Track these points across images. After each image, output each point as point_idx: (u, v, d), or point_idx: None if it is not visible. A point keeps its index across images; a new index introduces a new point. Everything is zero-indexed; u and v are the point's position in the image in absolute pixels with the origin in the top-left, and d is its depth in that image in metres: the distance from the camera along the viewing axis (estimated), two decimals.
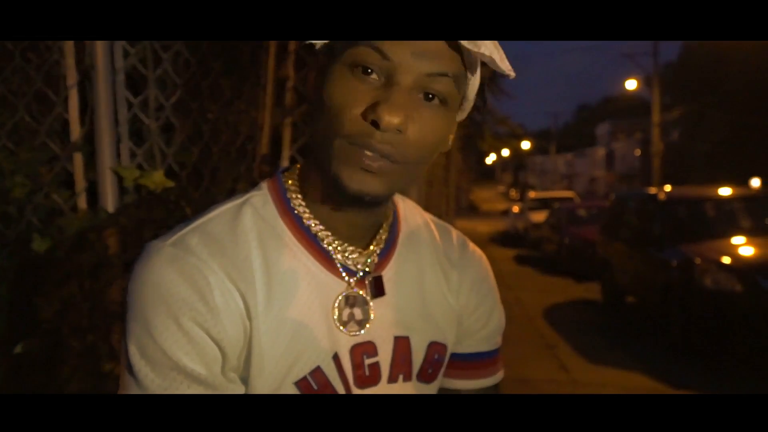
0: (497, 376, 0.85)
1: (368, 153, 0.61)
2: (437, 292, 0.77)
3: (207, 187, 1.71)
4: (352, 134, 0.61)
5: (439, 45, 0.62)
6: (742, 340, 5.04)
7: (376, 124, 0.60)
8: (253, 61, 1.90)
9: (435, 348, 0.76)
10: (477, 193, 40.24)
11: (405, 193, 0.80)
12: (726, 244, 5.81)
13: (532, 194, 20.54)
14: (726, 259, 5.39)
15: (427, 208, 3.17)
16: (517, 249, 15.09)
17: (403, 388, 0.73)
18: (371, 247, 0.72)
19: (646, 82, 21.58)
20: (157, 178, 1.49)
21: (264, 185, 0.71)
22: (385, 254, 0.73)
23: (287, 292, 0.66)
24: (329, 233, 0.69)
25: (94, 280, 1.41)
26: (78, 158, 1.54)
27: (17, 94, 1.55)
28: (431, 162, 0.69)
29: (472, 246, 0.83)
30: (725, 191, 6.88)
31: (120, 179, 1.53)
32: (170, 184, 1.48)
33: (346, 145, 0.61)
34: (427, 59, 0.61)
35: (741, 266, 5.30)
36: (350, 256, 0.70)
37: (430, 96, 0.63)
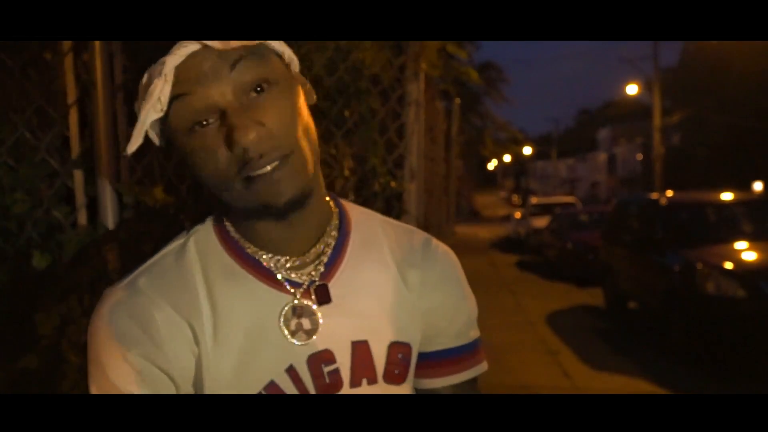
0: (476, 369, 0.84)
1: (261, 171, 0.65)
2: (395, 294, 0.78)
3: (206, 200, 1.72)
4: (239, 170, 0.65)
5: (211, 52, 0.65)
6: (745, 346, 5.03)
7: (245, 151, 0.64)
8: None
9: (397, 348, 0.77)
10: (479, 198, 40.24)
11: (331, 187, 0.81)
12: (728, 249, 5.80)
13: (533, 200, 20.51)
14: (728, 265, 5.38)
15: (426, 216, 3.15)
16: (519, 255, 15.08)
17: (368, 390, 0.74)
18: (311, 257, 0.74)
19: (646, 86, 21.60)
20: (156, 193, 1.49)
21: (208, 219, 0.76)
22: (334, 261, 0.75)
23: (233, 315, 0.70)
24: (266, 252, 0.73)
25: (93, 296, 1.42)
26: (78, 174, 1.55)
27: (17, 110, 1.56)
28: (313, 128, 0.71)
29: (435, 244, 0.84)
30: (727, 196, 6.87)
31: (120, 195, 1.54)
32: (169, 199, 1.49)
33: (244, 181, 0.65)
34: (217, 66, 0.65)
35: (743, 271, 5.28)
36: (293, 270, 0.73)
37: (258, 88, 0.66)
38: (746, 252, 5.72)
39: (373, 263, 0.78)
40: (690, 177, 19.08)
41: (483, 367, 0.86)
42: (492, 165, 51.17)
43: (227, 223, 0.74)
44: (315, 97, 0.75)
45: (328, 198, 0.78)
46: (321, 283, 0.73)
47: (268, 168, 0.65)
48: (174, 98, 0.65)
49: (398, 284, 0.78)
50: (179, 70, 0.65)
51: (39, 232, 1.52)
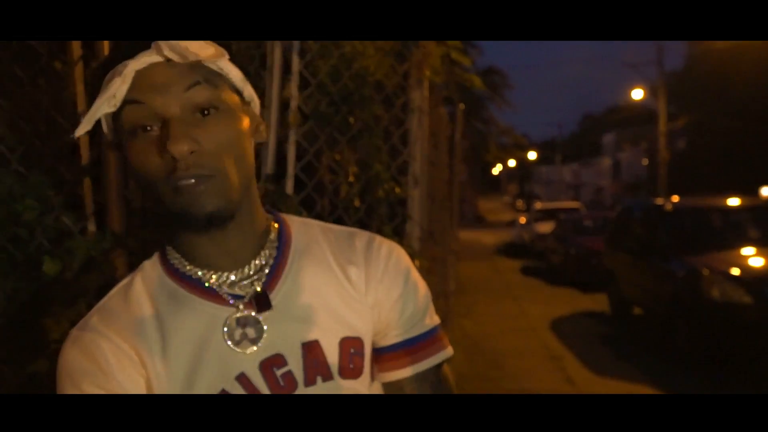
0: (438, 356, 0.85)
1: (187, 181, 0.70)
2: (340, 293, 0.81)
3: None
4: (166, 175, 0.70)
5: (176, 67, 0.71)
6: (751, 352, 5.01)
7: (173, 160, 0.69)
8: (257, 82, 1.94)
9: (349, 343, 0.80)
10: (483, 203, 40.17)
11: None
12: (734, 254, 5.78)
13: (538, 205, 20.48)
14: (734, 270, 5.37)
15: (430, 221, 3.14)
16: (523, 260, 15.05)
17: (325, 388, 0.78)
18: (251, 270, 0.78)
19: (651, 91, 21.58)
20: None
21: (155, 254, 0.82)
22: (275, 271, 0.79)
23: (179, 334, 0.75)
24: (206, 270, 0.77)
25: None
26: (87, 182, 1.58)
27: (28, 119, 1.59)
28: (249, 160, 0.77)
29: (378, 241, 0.86)
30: (733, 201, 6.85)
31: (127, 201, 1.57)
32: None
33: (168, 187, 0.70)
34: (172, 83, 0.71)
35: (750, 277, 5.27)
36: (235, 284, 0.78)
37: (205, 111, 0.72)
38: (753, 258, 5.70)
39: (315, 267, 0.81)
40: (695, 182, 19.02)
41: (446, 353, 0.86)
42: (496, 170, 51.12)
43: (169, 250, 0.80)
44: (265, 135, 0.82)
45: (268, 215, 0.83)
46: (259, 292, 0.77)
47: (192, 181, 0.70)
48: (127, 101, 0.71)
49: (342, 283, 0.82)
50: (139, 75, 0.71)
51: (49, 238, 1.54)
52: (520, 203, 44.03)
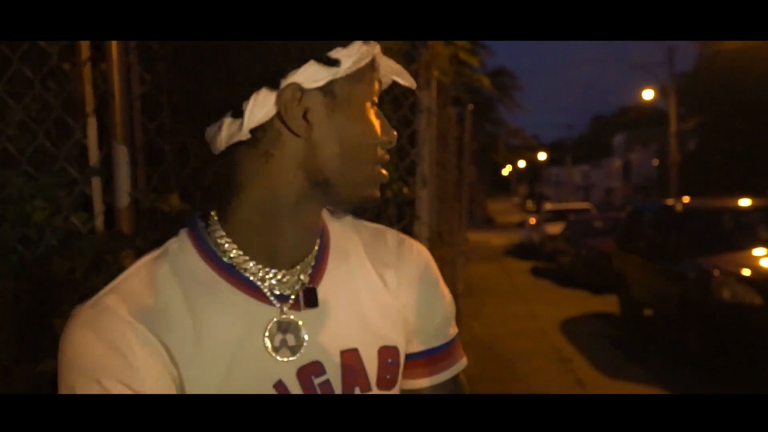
0: (457, 366, 0.84)
1: (383, 167, 0.73)
2: (376, 297, 0.77)
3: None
4: (381, 157, 0.72)
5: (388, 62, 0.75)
6: (762, 353, 4.97)
7: (389, 142, 0.73)
8: None
9: (386, 352, 0.76)
10: (492, 205, 40.10)
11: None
12: (745, 256, 5.74)
13: (547, 206, 20.43)
14: (745, 272, 5.33)
15: (438, 222, 3.14)
16: (533, 261, 15.01)
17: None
18: (297, 267, 0.72)
19: (661, 92, 21.46)
20: (173, 201, 1.52)
21: (182, 231, 0.72)
22: (317, 269, 0.74)
23: (215, 331, 0.67)
24: (257, 264, 0.70)
25: None
26: (96, 182, 1.58)
27: (37, 120, 1.60)
28: None
29: (409, 243, 0.83)
30: (744, 202, 6.81)
31: (137, 202, 1.57)
32: (185, 206, 1.51)
33: (375, 169, 0.72)
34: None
35: (761, 278, 5.23)
36: (279, 281, 0.71)
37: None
38: (764, 259, 5.65)
39: (353, 268, 0.77)
40: (706, 183, 18.89)
41: (463, 363, 0.85)
42: (506, 171, 51.00)
43: (211, 231, 0.71)
44: None
45: None
46: (308, 286, 0.72)
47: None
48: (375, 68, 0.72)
49: (378, 286, 0.78)
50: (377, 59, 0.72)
51: (58, 238, 1.55)
52: (529, 204, 43.89)
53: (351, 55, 0.67)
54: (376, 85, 0.72)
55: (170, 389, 0.64)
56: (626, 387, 5.06)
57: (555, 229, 14.54)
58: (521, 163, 43.45)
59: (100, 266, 1.50)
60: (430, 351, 0.82)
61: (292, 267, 0.72)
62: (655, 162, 30.40)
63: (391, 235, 0.83)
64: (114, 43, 1.53)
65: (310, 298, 0.71)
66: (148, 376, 0.63)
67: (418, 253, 0.83)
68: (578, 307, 8.76)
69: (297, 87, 0.66)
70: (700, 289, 5.50)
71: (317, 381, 0.71)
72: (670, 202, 7.76)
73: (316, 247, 0.75)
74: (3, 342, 1.46)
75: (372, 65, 0.70)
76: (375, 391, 0.74)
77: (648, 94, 22.11)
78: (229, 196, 0.71)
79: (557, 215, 16.81)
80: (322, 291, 0.73)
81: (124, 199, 1.55)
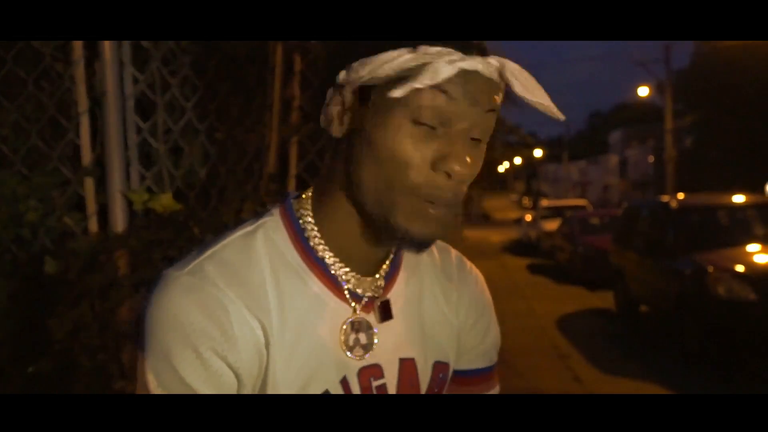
0: (492, 392, 0.87)
1: (437, 207, 0.64)
2: (438, 312, 0.79)
3: (215, 206, 1.75)
4: (420, 186, 0.63)
5: (488, 85, 0.64)
6: (758, 349, 4.99)
7: (446, 175, 0.63)
8: (260, 82, 1.94)
9: (439, 368, 0.78)
10: (489, 201, 40.11)
11: None
12: (740, 252, 5.76)
13: (544, 202, 20.43)
14: (740, 268, 5.35)
15: None
16: (530, 258, 15.02)
17: None
18: (377, 275, 0.73)
19: (658, 88, 21.47)
20: (166, 201, 1.52)
21: (276, 211, 0.72)
22: (390, 278, 0.75)
23: (298, 320, 0.68)
24: (339, 261, 0.71)
25: (104, 301, 1.45)
26: (89, 182, 1.59)
27: (31, 120, 1.60)
28: None
29: (469, 264, 0.85)
30: (739, 198, 6.82)
31: (130, 202, 1.58)
32: (178, 206, 1.52)
33: (413, 199, 0.64)
34: (484, 96, 0.63)
35: (755, 274, 5.25)
36: (357, 282, 0.72)
37: (477, 138, 0.65)
38: (758, 255, 5.67)
39: (419, 280, 0.78)
40: (702, 180, 18.91)
41: (497, 390, 0.88)
42: (503, 168, 51.00)
43: (306, 219, 0.71)
44: None
45: None
46: (384, 299, 0.73)
47: (442, 209, 0.64)
48: (439, 88, 0.61)
49: (440, 301, 0.79)
50: (460, 73, 0.62)
51: (51, 238, 1.55)
52: (526, 201, 43.94)
53: (379, 63, 0.62)
54: (428, 96, 0.62)
55: (256, 368, 0.65)
56: (623, 383, 5.07)
57: (552, 225, 14.55)
58: (518, 160, 43.44)
59: (94, 266, 1.51)
60: (474, 372, 0.84)
61: (372, 273, 0.73)
62: (652, 159, 30.44)
63: (454, 253, 0.85)
64: (107, 43, 1.53)
65: (385, 311, 0.72)
66: (244, 353, 0.64)
67: (477, 275, 0.85)
68: (575, 304, 8.78)
69: (339, 85, 0.66)
70: (696, 286, 5.52)
71: (375, 384, 0.72)
72: (666, 198, 7.78)
73: (392, 255, 0.76)
74: None
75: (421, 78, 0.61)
76: None
77: (644, 91, 22.11)
78: (325, 183, 0.72)
79: (554, 212, 16.81)
80: (392, 299, 0.74)
81: (117, 199, 1.56)
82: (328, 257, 0.70)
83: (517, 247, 17.78)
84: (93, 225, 1.58)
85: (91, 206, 1.58)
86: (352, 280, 0.71)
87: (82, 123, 1.58)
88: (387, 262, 0.75)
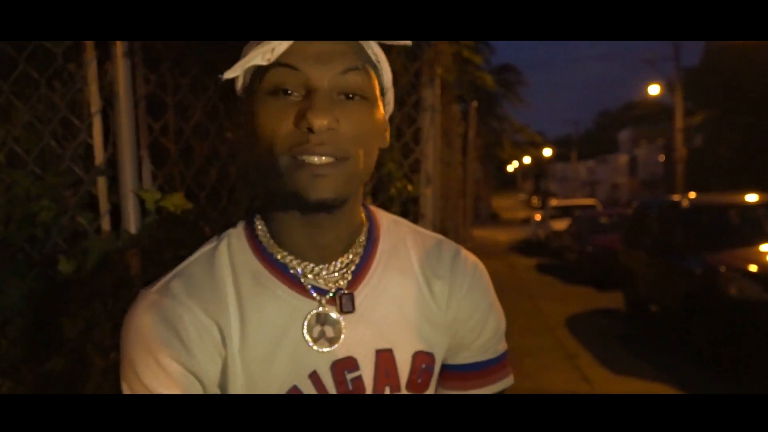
0: (503, 383, 0.85)
1: (313, 158, 0.66)
2: (421, 303, 0.79)
3: (225, 206, 1.76)
4: (292, 146, 0.66)
5: (341, 44, 0.68)
6: None
7: (310, 130, 0.65)
8: None
9: (421, 358, 0.78)
10: (498, 201, 40.02)
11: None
12: (752, 251, 5.70)
13: (553, 202, 20.35)
14: (752, 267, 5.30)
15: (443, 220, 3.13)
16: (539, 257, 14.97)
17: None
18: (337, 266, 0.75)
19: (667, 87, 21.33)
20: (177, 200, 1.53)
21: (240, 224, 0.78)
22: (361, 270, 0.76)
23: (258, 320, 0.72)
24: (294, 258, 0.74)
25: (116, 300, 1.46)
26: (101, 182, 1.60)
27: (43, 121, 1.61)
28: (374, 158, 0.73)
29: (464, 256, 0.84)
30: (751, 197, 6.76)
31: (142, 201, 1.58)
32: (189, 205, 1.52)
33: (290, 160, 0.67)
34: (334, 59, 0.68)
35: (767, 274, 5.20)
36: (320, 276, 0.74)
37: (350, 96, 0.69)
38: None
39: (399, 273, 0.78)
40: (713, 179, 18.79)
41: (510, 380, 0.86)
42: (512, 167, 50.88)
43: (258, 227, 0.76)
44: (388, 142, 0.77)
45: (362, 212, 0.79)
46: (347, 292, 0.74)
47: (315, 160, 0.66)
48: (280, 63, 0.67)
49: (424, 294, 0.79)
50: (300, 44, 0.67)
51: (64, 238, 1.56)
52: (535, 200, 43.79)
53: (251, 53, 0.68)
54: (277, 72, 0.67)
55: (217, 370, 0.70)
56: (632, 383, 5.05)
57: (560, 225, 14.50)
58: (526, 160, 43.32)
59: (107, 265, 1.52)
60: (478, 364, 0.83)
61: (331, 263, 0.75)
62: (662, 157, 30.24)
63: (448, 247, 0.84)
64: (119, 44, 1.54)
65: (347, 304, 0.74)
66: (201, 356, 0.69)
67: (473, 267, 0.84)
68: (584, 304, 8.74)
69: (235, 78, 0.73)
70: (707, 285, 5.48)
71: (350, 376, 0.73)
72: (676, 197, 7.72)
73: (362, 249, 0.77)
74: (11, 341, 1.48)
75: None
76: (404, 392, 0.76)
77: (654, 90, 21.97)
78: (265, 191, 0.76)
79: (563, 211, 16.75)
80: (364, 292, 0.75)
81: (129, 198, 1.56)
82: (284, 257, 0.74)
83: (526, 247, 17.72)
84: (105, 224, 1.59)
85: (104, 205, 1.59)
86: (314, 276, 0.74)
87: (95, 123, 1.59)
88: (357, 253, 0.76)
